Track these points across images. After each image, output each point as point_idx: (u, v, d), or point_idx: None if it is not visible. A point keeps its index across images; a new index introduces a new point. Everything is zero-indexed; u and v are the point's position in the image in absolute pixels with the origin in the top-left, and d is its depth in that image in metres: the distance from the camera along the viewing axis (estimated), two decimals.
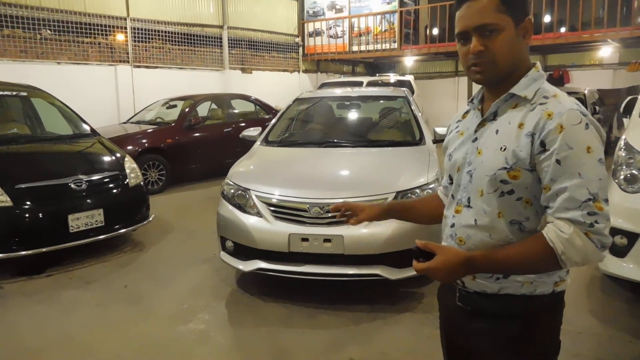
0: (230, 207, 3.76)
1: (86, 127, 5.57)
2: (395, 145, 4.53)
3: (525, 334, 1.28)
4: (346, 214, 1.66)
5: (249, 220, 3.59)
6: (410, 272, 3.44)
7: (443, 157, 1.52)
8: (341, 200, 2.79)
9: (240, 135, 5.21)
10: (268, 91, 11.89)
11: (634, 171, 3.36)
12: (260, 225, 3.54)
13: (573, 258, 1.15)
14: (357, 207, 1.65)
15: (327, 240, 3.37)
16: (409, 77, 12.60)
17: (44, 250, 4.20)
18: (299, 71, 14.72)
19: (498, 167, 1.24)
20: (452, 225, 1.37)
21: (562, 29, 12.29)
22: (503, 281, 1.28)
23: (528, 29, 1.28)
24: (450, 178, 1.42)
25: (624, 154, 3.50)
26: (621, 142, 3.62)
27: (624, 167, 3.43)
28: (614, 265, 3.28)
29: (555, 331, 1.33)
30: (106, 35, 9.84)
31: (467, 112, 1.46)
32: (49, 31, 8.93)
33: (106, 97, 9.70)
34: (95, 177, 4.67)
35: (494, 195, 1.26)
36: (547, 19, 12.26)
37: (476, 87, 1.43)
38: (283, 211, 3.54)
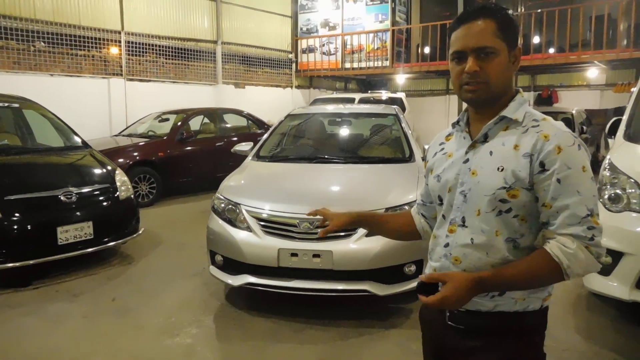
0: (221, 221, 3.77)
1: (77, 140, 5.56)
2: (385, 162, 4.58)
3: (521, 349, 1.32)
4: (325, 223, 1.66)
5: (239, 234, 3.61)
6: (398, 289, 3.46)
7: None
8: None
9: (232, 150, 5.25)
10: (261, 106, 11.94)
11: (618, 191, 3.43)
12: (250, 240, 3.55)
13: (576, 270, 1.23)
14: (327, 214, 1.64)
15: (316, 255, 3.39)
16: (401, 95, 12.74)
17: (31, 262, 4.16)
18: (291, 87, 14.82)
19: (497, 187, 1.28)
20: (446, 245, 1.39)
21: (551, 50, 12.53)
22: (498, 299, 1.32)
23: (517, 56, 1.36)
24: (440, 199, 1.45)
25: (608, 174, 3.57)
26: (606, 162, 3.70)
27: (609, 186, 3.49)
28: (599, 283, 3.33)
29: (541, 344, 1.38)
30: (100, 48, 9.88)
31: (449, 135, 1.51)
32: (42, 43, 8.95)
33: (98, 109, 9.69)
34: (85, 190, 4.66)
35: (492, 214, 1.31)
36: (536, 40, 12.51)
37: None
38: (273, 226, 3.56)
